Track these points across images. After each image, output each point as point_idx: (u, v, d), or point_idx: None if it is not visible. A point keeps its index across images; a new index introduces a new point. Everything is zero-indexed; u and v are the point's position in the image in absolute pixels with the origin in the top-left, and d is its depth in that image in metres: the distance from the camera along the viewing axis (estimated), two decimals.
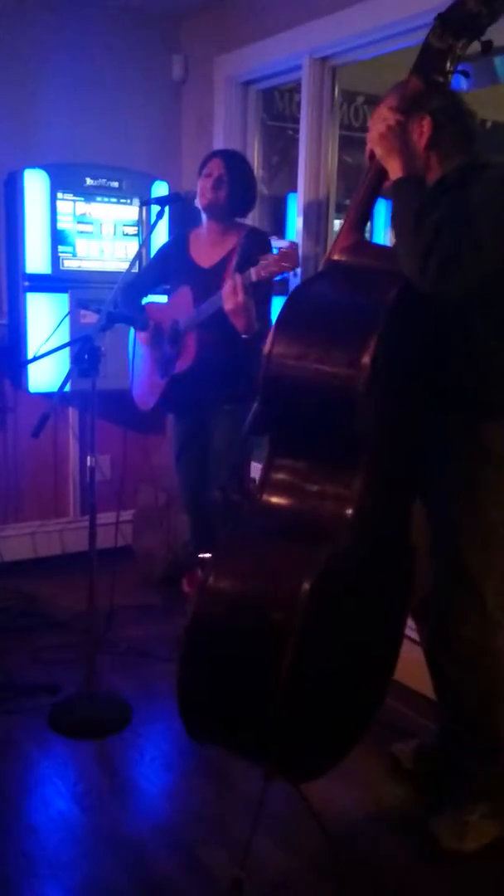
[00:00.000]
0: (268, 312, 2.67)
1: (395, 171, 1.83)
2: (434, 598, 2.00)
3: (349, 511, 1.73)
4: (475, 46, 1.80)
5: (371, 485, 1.76)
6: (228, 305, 2.50)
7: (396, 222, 1.81)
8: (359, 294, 1.88)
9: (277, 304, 2.65)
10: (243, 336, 2.55)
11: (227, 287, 2.50)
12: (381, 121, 1.86)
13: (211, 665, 1.72)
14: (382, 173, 1.88)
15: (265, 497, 1.82)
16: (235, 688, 1.70)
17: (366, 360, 1.67)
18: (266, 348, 1.79)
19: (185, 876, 1.90)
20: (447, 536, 1.96)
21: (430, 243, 1.70)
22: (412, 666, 2.08)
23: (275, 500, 1.82)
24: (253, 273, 2.42)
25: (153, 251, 3.63)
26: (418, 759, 2.31)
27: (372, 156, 1.90)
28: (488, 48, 1.80)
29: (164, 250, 3.00)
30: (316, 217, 3.26)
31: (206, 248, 2.81)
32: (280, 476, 1.83)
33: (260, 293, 2.56)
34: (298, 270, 3.04)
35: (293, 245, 2.41)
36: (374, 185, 1.92)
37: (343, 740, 1.96)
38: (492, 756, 2.00)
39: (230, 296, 2.48)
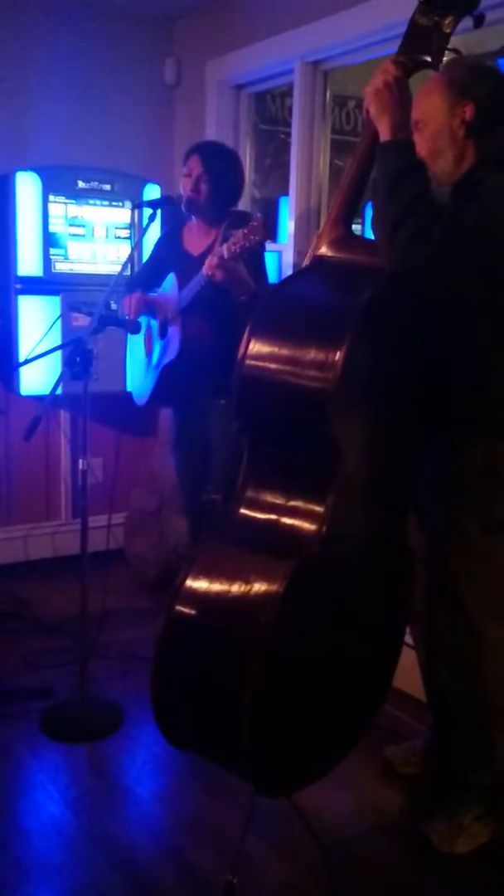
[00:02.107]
0: (261, 282, 2.58)
1: (383, 132, 1.76)
2: (424, 607, 2.01)
3: (321, 523, 1.69)
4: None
5: (350, 497, 1.73)
6: (217, 277, 2.43)
7: (375, 187, 1.75)
8: (337, 293, 1.83)
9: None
10: (243, 300, 2.46)
11: (208, 261, 2.46)
12: (380, 73, 1.77)
13: (183, 669, 1.72)
14: (372, 153, 1.80)
15: (241, 506, 1.80)
16: (205, 693, 1.70)
17: (338, 361, 1.62)
18: (239, 352, 1.74)
19: (178, 880, 1.90)
20: (431, 548, 1.97)
21: (404, 211, 1.65)
22: (404, 669, 2.08)
23: (250, 510, 1.79)
24: (225, 250, 2.38)
25: (145, 253, 3.64)
26: (411, 761, 2.31)
27: (367, 117, 1.81)
28: (480, 23, 1.77)
29: (158, 246, 2.97)
30: (308, 220, 3.26)
31: (197, 239, 2.79)
32: (255, 486, 1.80)
33: (246, 264, 2.51)
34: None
35: (258, 218, 2.35)
36: (359, 176, 1.85)
37: (333, 747, 1.95)
38: (484, 759, 2.00)
39: (214, 269, 2.43)
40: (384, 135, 1.76)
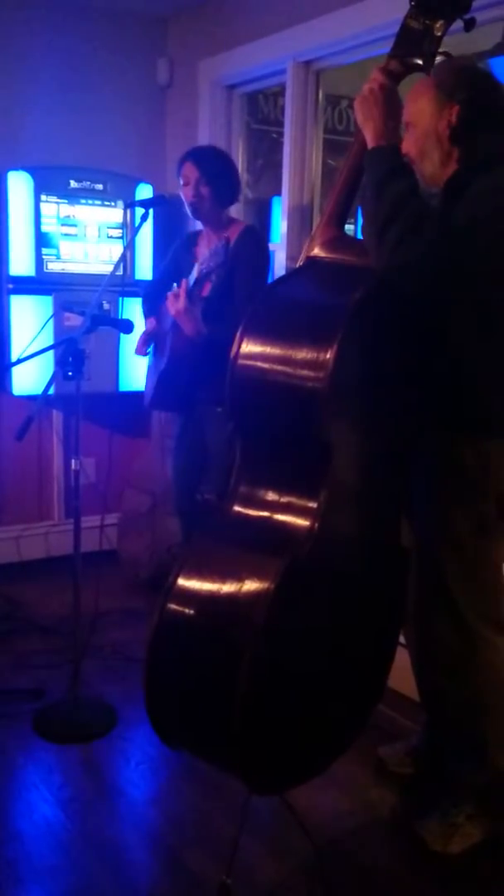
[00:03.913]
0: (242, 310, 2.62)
1: (369, 139, 1.79)
2: (416, 607, 2.01)
3: (313, 521, 1.70)
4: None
5: (342, 496, 1.73)
6: (171, 311, 2.51)
7: (363, 193, 1.77)
8: (329, 293, 1.83)
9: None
10: (194, 340, 2.54)
11: (169, 293, 2.50)
12: (368, 82, 1.81)
13: (175, 667, 1.72)
14: (359, 167, 1.83)
15: (234, 504, 1.80)
16: (197, 691, 1.69)
17: (329, 359, 1.63)
18: (232, 351, 1.75)
19: (172, 881, 1.90)
20: (423, 548, 1.97)
21: (391, 212, 1.66)
22: (397, 669, 2.08)
23: (243, 507, 1.79)
24: (195, 271, 2.42)
25: (137, 253, 3.64)
26: (404, 761, 2.31)
27: (357, 130, 1.85)
28: (471, 26, 1.79)
29: (175, 250, 2.98)
30: (300, 220, 3.26)
31: (205, 246, 2.81)
32: (248, 484, 1.80)
33: (222, 293, 2.55)
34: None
35: (222, 240, 2.37)
36: (352, 177, 1.86)
37: (326, 748, 1.95)
38: (477, 758, 2.00)
39: (171, 302, 2.48)
40: (370, 142, 1.79)
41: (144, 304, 2.97)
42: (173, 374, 2.71)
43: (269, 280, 2.77)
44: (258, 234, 2.80)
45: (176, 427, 3.00)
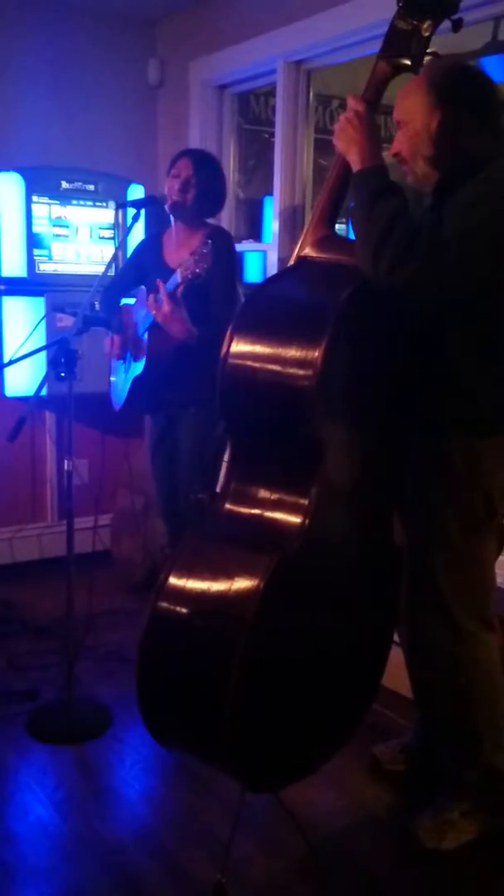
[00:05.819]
0: (220, 313, 2.58)
1: (353, 163, 1.80)
2: (407, 604, 2.01)
3: (304, 519, 1.70)
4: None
5: (332, 494, 1.74)
6: (158, 317, 2.49)
7: (352, 216, 1.77)
8: (318, 292, 1.84)
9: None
10: (186, 342, 2.52)
11: (150, 298, 2.49)
12: (344, 112, 1.82)
13: (167, 665, 1.72)
14: (349, 164, 1.84)
15: (225, 502, 1.81)
16: (190, 689, 1.70)
17: (318, 357, 1.64)
18: (222, 351, 1.76)
19: (167, 881, 1.89)
20: (414, 547, 1.97)
21: (383, 234, 1.67)
22: (392, 667, 2.09)
23: (234, 505, 1.80)
24: (178, 275, 2.41)
25: (129, 254, 3.63)
26: (398, 759, 2.31)
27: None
28: (458, 27, 1.80)
29: (138, 251, 2.96)
30: (292, 220, 3.27)
31: (175, 249, 2.78)
32: (239, 482, 1.81)
33: (197, 295, 2.54)
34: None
35: (209, 246, 2.36)
36: (342, 176, 1.87)
37: (320, 746, 1.95)
38: (470, 755, 2.01)
39: (154, 306, 2.47)
40: (355, 165, 1.79)
41: (104, 298, 2.87)
42: (151, 378, 2.68)
43: (242, 279, 2.75)
44: (227, 235, 2.80)
45: (150, 431, 2.97)
